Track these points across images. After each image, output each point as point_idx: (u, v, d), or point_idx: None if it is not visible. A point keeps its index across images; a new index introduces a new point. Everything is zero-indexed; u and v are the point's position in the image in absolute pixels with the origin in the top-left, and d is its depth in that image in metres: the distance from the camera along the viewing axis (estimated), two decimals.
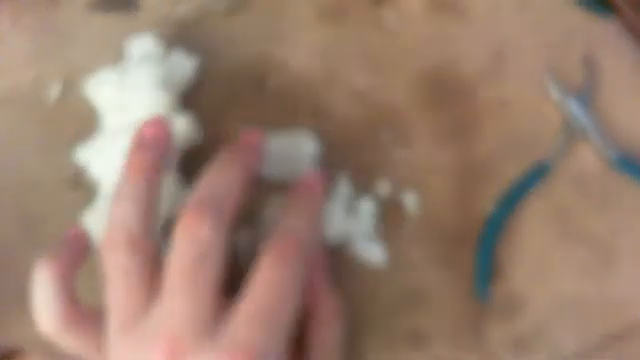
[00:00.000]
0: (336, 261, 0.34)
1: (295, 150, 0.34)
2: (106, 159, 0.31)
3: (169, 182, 0.31)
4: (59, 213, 0.34)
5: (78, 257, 0.28)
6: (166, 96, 0.31)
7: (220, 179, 0.27)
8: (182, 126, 0.32)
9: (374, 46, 0.36)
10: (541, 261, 0.34)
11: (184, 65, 0.34)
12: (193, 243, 0.24)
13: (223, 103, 0.35)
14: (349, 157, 0.35)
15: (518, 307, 0.34)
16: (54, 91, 0.35)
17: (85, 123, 0.35)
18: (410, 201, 0.34)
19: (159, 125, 0.28)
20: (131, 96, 0.31)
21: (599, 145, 0.34)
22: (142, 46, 0.33)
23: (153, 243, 0.26)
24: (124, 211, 0.26)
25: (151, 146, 0.28)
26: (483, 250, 0.33)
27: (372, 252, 0.34)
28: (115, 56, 0.35)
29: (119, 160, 0.30)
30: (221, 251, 0.25)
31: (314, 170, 0.31)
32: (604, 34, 0.36)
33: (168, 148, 0.29)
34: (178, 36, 0.35)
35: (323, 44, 0.36)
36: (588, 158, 0.35)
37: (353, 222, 0.34)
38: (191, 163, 0.33)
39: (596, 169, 0.35)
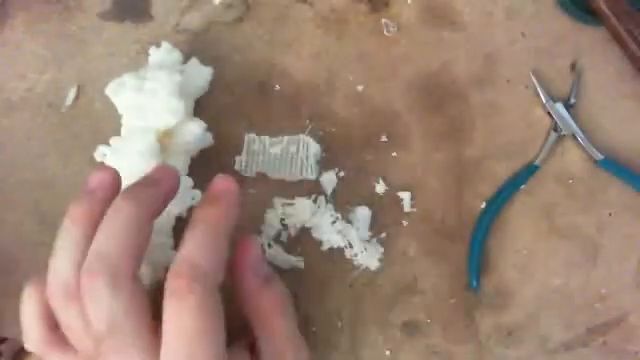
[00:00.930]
0: (329, 261, 0.35)
1: (297, 152, 0.35)
2: (122, 159, 0.32)
3: (181, 183, 0.32)
4: None
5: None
6: (181, 103, 0.32)
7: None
8: (194, 132, 0.33)
9: (372, 52, 0.36)
10: (529, 256, 0.35)
11: (200, 74, 0.35)
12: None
13: (229, 107, 0.36)
14: (349, 158, 0.35)
15: (508, 299, 0.35)
16: (69, 95, 0.36)
17: (99, 126, 0.36)
18: (406, 199, 0.35)
19: (107, 171, 0.28)
20: (148, 101, 0.32)
21: (585, 146, 0.35)
22: (161, 54, 0.34)
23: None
24: (60, 260, 0.26)
25: (95, 192, 0.27)
26: (475, 245, 0.34)
27: (369, 257, 0.34)
28: (128, 63, 0.36)
29: (133, 160, 0.31)
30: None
31: (225, 175, 0.28)
32: (591, 41, 0.37)
33: (112, 193, 0.27)
34: (186, 43, 0.36)
35: (324, 51, 0.36)
36: (574, 159, 0.36)
37: (349, 228, 0.34)
38: (200, 166, 0.35)
39: (582, 169, 0.36)
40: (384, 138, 0.36)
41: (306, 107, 0.36)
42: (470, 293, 0.35)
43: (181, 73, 0.33)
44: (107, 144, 0.33)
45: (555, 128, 0.36)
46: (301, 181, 0.35)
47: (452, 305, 0.35)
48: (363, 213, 0.35)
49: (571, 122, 0.36)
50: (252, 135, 0.35)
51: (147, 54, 0.35)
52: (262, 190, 0.35)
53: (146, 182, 0.27)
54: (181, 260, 0.24)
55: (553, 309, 0.35)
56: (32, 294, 0.27)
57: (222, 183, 0.27)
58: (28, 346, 0.27)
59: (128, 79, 0.32)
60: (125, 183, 0.32)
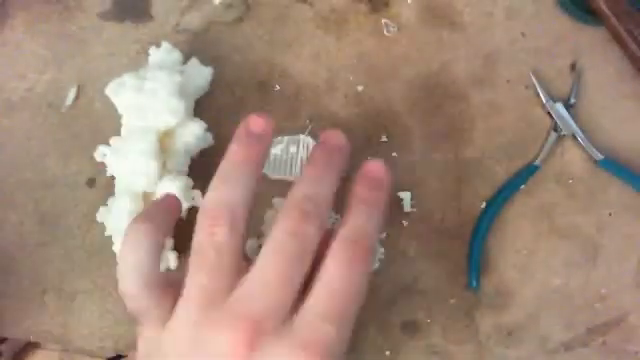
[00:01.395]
0: None
1: (298, 152, 0.35)
2: (122, 158, 0.31)
3: (181, 184, 0.32)
4: (73, 211, 0.35)
5: (170, 223, 0.28)
6: (181, 103, 0.32)
7: (319, 179, 0.26)
8: (194, 132, 0.33)
9: (372, 53, 0.36)
10: (529, 256, 0.35)
11: (200, 74, 0.35)
12: (296, 240, 0.25)
13: (229, 107, 0.36)
14: (349, 158, 0.36)
15: (508, 299, 0.35)
16: (69, 95, 0.36)
17: (99, 126, 0.36)
18: (406, 199, 0.35)
19: (267, 120, 0.28)
20: (149, 101, 0.32)
21: (585, 146, 0.35)
22: (161, 54, 0.34)
23: (248, 230, 0.26)
24: (231, 191, 0.26)
25: (261, 139, 0.28)
26: (475, 245, 0.34)
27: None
28: (128, 63, 0.36)
29: (133, 160, 0.31)
30: (315, 250, 0.25)
31: (378, 161, 0.28)
32: (591, 42, 0.37)
33: (270, 144, 0.28)
34: (186, 43, 0.36)
35: (324, 51, 0.36)
36: (574, 159, 0.36)
37: None
38: (200, 166, 0.35)
39: (582, 169, 0.36)
40: (384, 138, 0.36)
41: (306, 107, 0.36)
42: (470, 293, 0.35)
43: (181, 73, 0.33)
44: (107, 144, 0.33)
45: (555, 128, 0.36)
46: None
47: (452, 305, 0.35)
48: None
49: (571, 122, 0.36)
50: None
51: (147, 54, 0.35)
52: (262, 190, 0.35)
53: (334, 146, 0.28)
54: (359, 231, 0.26)
55: (553, 309, 0.35)
56: (143, 229, 0.26)
57: (375, 167, 0.28)
58: (127, 284, 0.25)
59: (128, 79, 0.32)
60: (125, 183, 0.32)
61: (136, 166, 0.30)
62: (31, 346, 0.38)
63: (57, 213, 0.35)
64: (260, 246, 0.30)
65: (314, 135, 0.35)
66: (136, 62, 0.36)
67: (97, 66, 0.36)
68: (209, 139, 0.34)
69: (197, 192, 0.33)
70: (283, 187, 0.34)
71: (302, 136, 0.35)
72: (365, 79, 0.36)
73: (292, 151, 0.35)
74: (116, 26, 0.37)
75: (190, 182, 0.33)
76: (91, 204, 0.35)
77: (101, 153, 0.34)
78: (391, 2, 0.37)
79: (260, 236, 0.34)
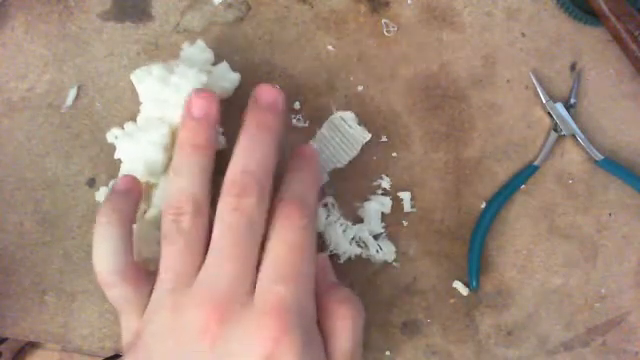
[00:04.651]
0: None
1: (336, 134, 0.35)
2: (133, 145, 0.31)
3: None
4: (73, 211, 0.35)
5: (134, 206, 0.29)
6: None
7: (257, 148, 0.27)
8: None
9: (372, 53, 0.36)
10: (529, 256, 0.35)
11: (227, 78, 0.34)
12: (241, 214, 0.26)
13: (228, 107, 0.35)
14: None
15: (508, 299, 0.35)
16: (69, 95, 0.36)
17: (99, 126, 0.36)
18: (406, 199, 0.35)
19: (209, 98, 0.29)
20: (171, 95, 0.31)
21: (585, 146, 0.35)
22: (194, 50, 0.34)
23: (211, 212, 0.28)
24: (189, 181, 0.27)
25: (203, 121, 0.28)
26: (475, 245, 0.34)
27: (386, 253, 0.34)
28: (128, 63, 0.36)
29: (143, 148, 0.31)
30: (264, 219, 0.26)
31: (307, 145, 0.31)
32: (591, 42, 0.37)
33: (217, 119, 0.29)
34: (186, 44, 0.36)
35: (324, 51, 0.36)
36: (574, 159, 0.36)
37: (361, 231, 0.34)
38: None
39: (582, 169, 0.36)
40: (384, 138, 0.36)
41: (306, 107, 0.36)
42: (470, 293, 0.35)
43: (209, 74, 0.32)
44: (121, 127, 0.33)
45: (555, 128, 0.36)
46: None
47: (452, 305, 0.35)
48: (373, 207, 0.35)
49: (571, 122, 0.36)
50: None
51: (146, 54, 0.35)
52: None
53: (266, 107, 0.29)
54: (292, 192, 0.28)
55: (553, 309, 0.35)
56: (114, 219, 0.27)
57: (308, 150, 0.31)
58: (102, 272, 0.27)
59: (156, 69, 0.32)
60: (129, 168, 0.32)
61: (144, 155, 0.30)
62: (31, 346, 0.38)
63: (57, 213, 0.35)
64: None
65: (345, 108, 0.36)
66: (136, 62, 0.36)
67: (97, 66, 0.36)
68: (222, 143, 0.34)
69: None
70: None
71: (331, 117, 0.35)
72: (365, 79, 0.36)
73: (329, 135, 0.35)
74: (116, 26, 0.36)
75: None
76: (91, 204, 0.35)
77: (113, 135, 0.34)
78: (391, 2, 0.37)
79: None
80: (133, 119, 0.34)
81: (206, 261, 0.26)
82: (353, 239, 0.34)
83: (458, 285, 0.35)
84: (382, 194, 0.35)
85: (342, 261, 0.34)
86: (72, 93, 0.36)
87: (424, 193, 0.35)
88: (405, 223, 0.35)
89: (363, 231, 0.34)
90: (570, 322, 0.35)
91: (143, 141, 0.31)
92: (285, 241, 0.26)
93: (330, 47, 0.36)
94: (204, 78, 0.32)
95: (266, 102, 0.29)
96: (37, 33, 0.37)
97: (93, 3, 0.37)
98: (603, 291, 0.35)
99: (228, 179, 0.27)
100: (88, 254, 0.35)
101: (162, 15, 0.37)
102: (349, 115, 0.35)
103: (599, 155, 0.35)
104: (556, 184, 0.36)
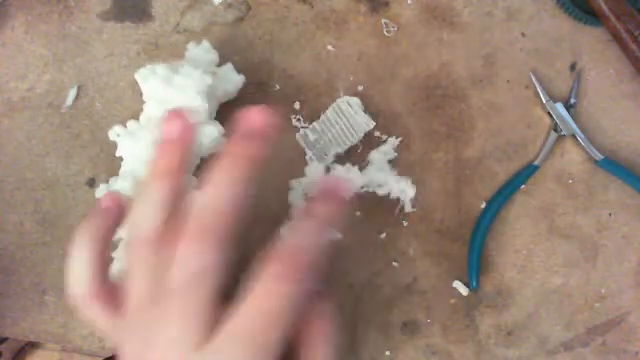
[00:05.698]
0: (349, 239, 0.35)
1: (341, 118, 0.35)
2: (134, 143, 0.31)
3: (187, 184, 0.31)
4: (73, 211, 0.35)
5: (114, 224, 0.27)
6: (205, 105, 0.31)
7: (228, 186, 0.24)
8: (211, 135, 0.32)
9: (372, 53, 0.36)
10: (529, 256, 0.35)
11: (231, 80, 0.34)
12: (193, 264, 0.23)
13: (228, 107, 0.35)
14: (349, 159, 0.35)
15: (508, 299, 0.35)
16: (69, 95, 0.36)
17: (99, 126, 0.36)
18: (407, 200, 0.35)
19: (183, 118, 0.26)
20: (175, 95, 0.31)
21: (585, 146, 0.35)
22: (199, 51, 0.34)
23: (173, 242, 0.25)
24: (147, 211, 0.25)
25: (177, 142, 0.26)
26: (475, 245, 0.34)
27: (405, 187, 0.34)
28: (128, 63, 0.36)
29: (145, 147, 0.31)
30: (220, 268, 0.23)
31: (335, 177, 0.27)
32: (591, 42, 0.37)
33: (192, 143, 0.26)
34: (186, 44, 0.36)
35: (324, 51, 0.36)
36: (574, 159, 0.36)
37: (373, 169, 0.34)
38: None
39: (582, 169, 0.36)
40: (384, 138, 0.36)
41: (306, 107, 0.36)
42: (470, 293, 0.35)
43: (213, 75, 0.32)
44: (127, 124, 0.33)
45: (555, 128, 0.36)
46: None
47: (452, 305, 0.35)
48: (377, 156, 0.35)
49: (571, 122, 0.36)
50: (301, 132, 0.35)
51: (146, 54, 0.35)
52: (286, 182, 0.35)
53: (249, 136, 0.25)
54: (291, 246, 0.24)
55: (553, 309, 0.35)
56: (87, 239, 0.26)
57: (334, 186, 0.26)
58: (73, 294, 0.26)
59: (160, 69, 0.32)
60: (131, 166, 0.32)
61: (146, 153, 0.30)
62: (31, 346, 0.38)
63: (57, 213, 0.35)
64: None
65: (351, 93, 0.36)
66: (136, 62, 0.36)
67: (97, 66, 0.36)
68: (224, 143, 0.34)
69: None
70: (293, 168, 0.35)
71: (338, 100, 0.35)
72: (365, 79, 0.36)
73: (334, 120, 0.35)
74: (116, 26, 0.36)
75: (195, 183, 0.33)
76: (91, 204, 0.35)
77: (115, 132, 0.34)
78: (391, 2, 0.37)
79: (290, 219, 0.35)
80: (134, 119, 0.34)
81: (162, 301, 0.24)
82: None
83: (458, 285, 0.35)
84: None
85: (356, 191, 0.34)
86: (72, 93, 0.36)
87: (424, 193, 0.35)
88: (405, 223, 0.35)
89: (372, 170, 0.34)
90: (570, 322, 0.35)
91: (146, 141, 0.31)
92: (259, 307, 0.22)
93: (330, 47, 0.36)
94: (209, 80, 0.31)
95: (251, 128, 0.25)
96: (37, 33, 0.37)
97: (93, 3, 0.37)
98: (603, 291, 0.35)
99: (191, 215, 0.24)
100: None
101: (162, 15, 0.37)
102: (355, 100, 0.35)
103: (599, 155, 0.35)
104: (556, 184, 0.36)
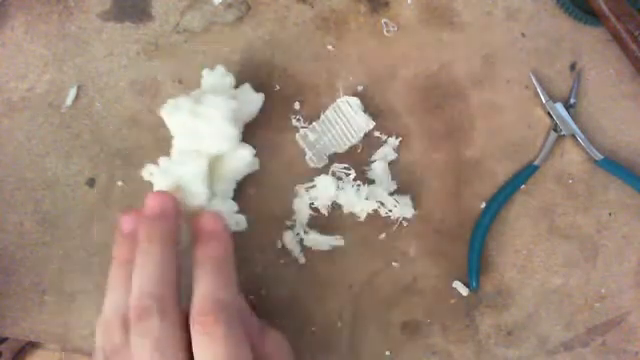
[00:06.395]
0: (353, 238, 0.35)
1: (340, 117, 0.35)
2: (169, 180, 0.31)
3: (226, 208, 0.32)
4: (73, 211, 0.35)
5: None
6: (235, 130, 0.32)
7: (150, 264, 0.26)
8: (245, 158, 0.33)
9: (372, 53, 0.36)
10: (529, 256, 0.35)
11: (251, 100, 0.34)
12: (145, 338, 0.25)
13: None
14: (349, 159, 0.35)
15: (508, 299, 0.35)
16: (69, 95, 0.36)
17: (99, 126, 0.36)
18: (407, 199, 0.35)
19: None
20: (203, 126, 0.31)
21: (585, 146, 0.35)
22: (215, 77, 0.34)
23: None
24: (115, 296, 0.27)
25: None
26: (475, 245, 0.34)
27: (403, 207, 0.34)
28: (128, 63, 0.36)
29: (184, 183, 0.31)
30: (176, 331, 0.25)
31: (210, 213, 0.30)
32: (591, 42, 0.37)
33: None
34: (186, 44, 0.36)
35: (324, 51, 0.36)
36: (574, 159, 0.36)
37: (375, 188, 0.34)
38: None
39: (582, 169, 0.36)
40: (384, 138, 0.36)
41: (306, 107, 0.36)
42: (470, 293, 0.35)
43: (234, 99, 0.32)
44: (159, 161, 0.32)
45: (555, 128, 0.36)
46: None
47: (452, 305, 0.35)
48: (381, 166, 0.35)
49: (571, 122, 0.36)
50: (301, 132, 0.35)
51: (146, 54, 0.34)
52: (286, 182, 0.35)
53: (154, 218, 0.28)
54: (202, 297, 0.26)
55: (553, 309, 0.35)
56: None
57: (210, 222, 0.29)
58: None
59: (183, 102, 0.32)
60: None
61: (187, 189, 0.30)
62: (31, 346, 0.38)
63: (57, 213, 0.35)
64: None
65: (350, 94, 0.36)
66: (136, 62, 0.36)
67: (97, 66, 0.36)
68: (256, 165, 0.34)
69: (241, 217, 0.33)
70: (304, 173, 0.35)
71: (338, 100, 0.35)
72: (365, 79, 0.36)
73: (333, 119, 0.35)
74: (116, 26, 0.36)
75: (235, 207, 0.33)
76: (91, 204, 0.35)
77: (148, 172, 0.33)
78: (391, 2, 0.37)
79: (294, 226, 0.35)
80: (134, 119, 0.34)
81: None
82: (367, 199, 0.34)
83: (458, 285, 0.35)
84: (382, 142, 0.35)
85: (362, 219, 0.34)
86: (72, 93, 0.36)
87: (425, 193, 0.35)
88: (405, 223, 0.35)
89: (376, 188, 0.34)
90: (570, 322, 0.35)
91: (182, 176, 0.31)
92: (207, 357, 0.25)
93: (330, 47, 0.36)
94: (233, 104, 0.32)
95: (153, 212, 0.28)
96: (37, 33, 0.37)
97: (93, 3, 0.37)
98: (603, 291, 0.35)
99: (131, 300, 0.26)
100: (88, 254, 0.35)
101: (162, 15, 0.37)
102: (355, 100, 0.35)
103: (599, 155, 0.35)
104: (556, 184, 0.36)
